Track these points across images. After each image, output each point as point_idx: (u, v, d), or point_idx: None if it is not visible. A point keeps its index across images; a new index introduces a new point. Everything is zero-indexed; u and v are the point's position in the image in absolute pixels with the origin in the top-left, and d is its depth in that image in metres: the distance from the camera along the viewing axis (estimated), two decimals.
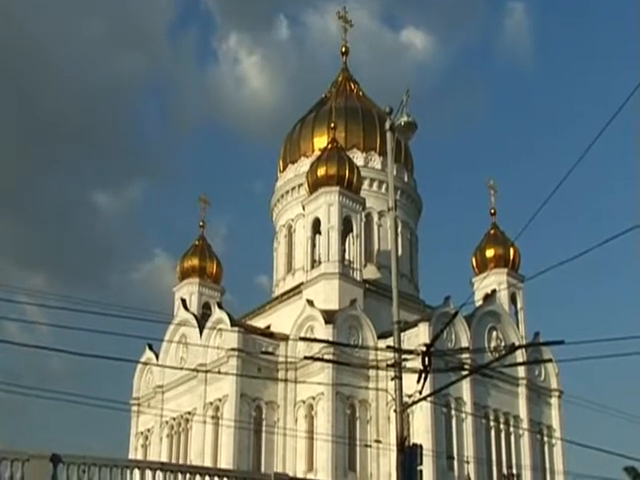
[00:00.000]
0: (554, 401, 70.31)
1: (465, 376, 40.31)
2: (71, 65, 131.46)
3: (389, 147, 24.13)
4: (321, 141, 76.12)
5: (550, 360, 56.66)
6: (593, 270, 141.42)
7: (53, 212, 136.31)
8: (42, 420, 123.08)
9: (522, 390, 67.32)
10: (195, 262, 78.29)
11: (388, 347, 23.05)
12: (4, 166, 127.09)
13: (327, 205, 68.22)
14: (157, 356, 72.03)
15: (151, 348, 73.53)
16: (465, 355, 57.37)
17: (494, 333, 66.82)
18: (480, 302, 68.15)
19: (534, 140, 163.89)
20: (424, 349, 20.18)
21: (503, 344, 64.52)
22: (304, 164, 76.66)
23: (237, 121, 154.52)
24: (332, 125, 73.41)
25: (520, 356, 59.80)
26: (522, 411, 66.92)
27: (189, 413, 66.49)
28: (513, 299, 73.39)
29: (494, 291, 69.03)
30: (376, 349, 59.91)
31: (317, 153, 73.96)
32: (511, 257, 74.12)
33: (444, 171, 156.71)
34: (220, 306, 69.60)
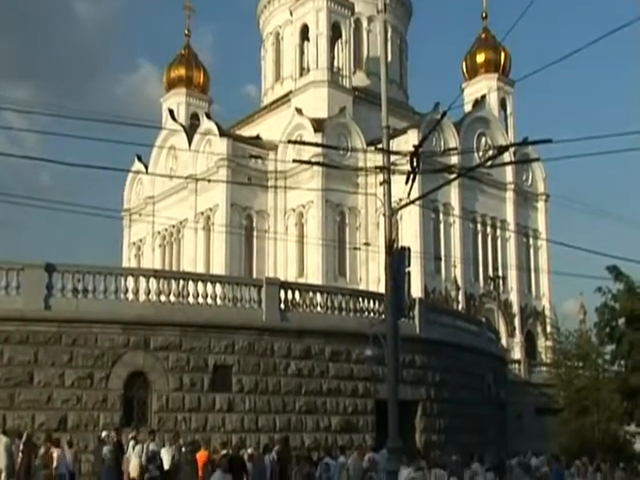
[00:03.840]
0: (541, 205, 71.33)
1: (454, 179, 40.26)
2: None
3: None
4: None
5: (537, 159, 56.50)
6: (586, 71, 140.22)
7: (34, 24, 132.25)
8: (36, 235, 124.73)
9: (509, 195, 68.14)
10: (181, 71, 76.87)
11: (377, 149, 22.85)
12: None
13: (315, 10, 66.21)
14: (146, 168, 72.00)
15: (140, 159, 73.43)
16: (454, 160, 57.38)
17: (483, 139, 66.75)
18: (470, 110, 67.76)
19: None
20: (412, 150, 19.99)
21: (491, 151, 64.50)
22: None
23: None
24: None
25: (508, 159, 59.65)
26: (509, 215, 68.03)
27: (180, 223, 67.24)
28: (503, 105, 72.92)
29: (484, 97, 68.36)
30: (364, 151, 60.06)
31: None
32: (501, 61, 73.03)
33: None
34: (208, 116, 68.89)
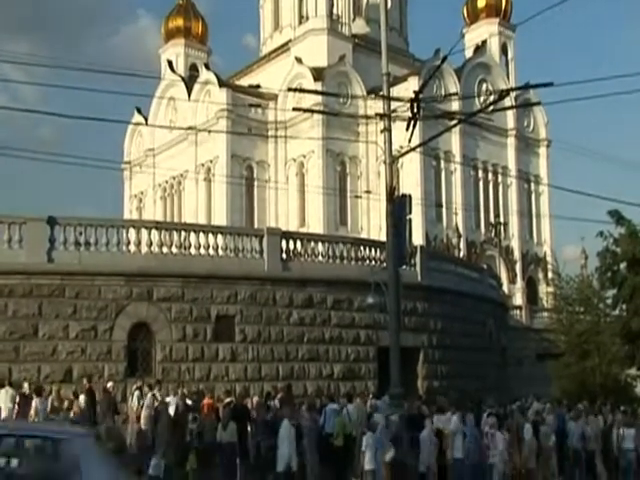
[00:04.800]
0: (542, 151, 71.12)
1: (455, 125, 40.05)
2: None
3: None
4: None
5: (539, 103, 56.05)
6: (587, 14, 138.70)
7: None
8: (38, 189, 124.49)
9: (511, 141, 67.90)
10: (180, 22, 76.17)
11: (377, 96, 22.70)
12: None
13: None
14: (146, 120, 71.67)
15: (140, 112, 73.08)
16: (454, 106, 57.00)
17: (484, 85, 66.31)
18: (471, 55, 67.27)
19: None
20: (413, 96, 19.86)
21: (493, 96, 64.10)
22: None
23: None
24: None
25: (509, 104, 59.12)
26: (510, 161, 67.87)
27: (181, 175, 67.16)
28: (504, 50, 72.24)
29: (484, 42, 67.78)
30: (364, 98, 59.82)
31: None
32: (502, 6, 72.21)
33: None
34: (207, 67, 68.46)
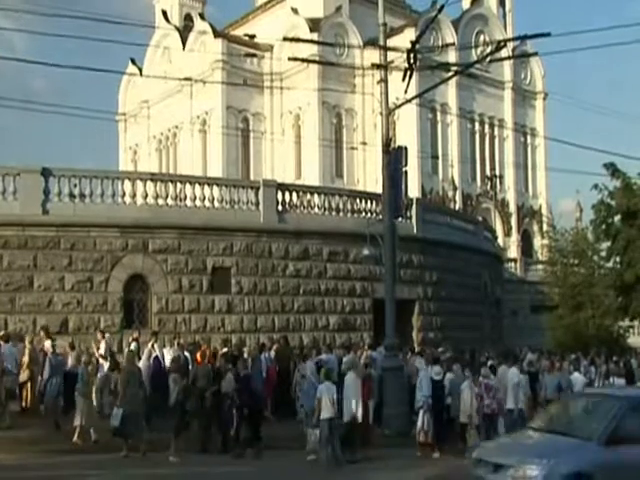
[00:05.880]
0: (539, 103, 70.80)
1: (451, 76, 39.65)
2: None
3: None
4: None
5: (535, 54, 55.67)
6: None
7: None
8: (33, 141, 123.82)
9: (507, 93, 67.56)
10: None
11: (374, 45, 22.52)
12: None
13: None
14: (140, 71, 70.99)
15: (134, 62, 72.36)
16: (451, 58, 56.55)
17: (481, 37, 65.74)
18: (468, 7, 66.64)
19: None
20: (410, 47, 19.73)
21: (490, 48, 63.57)
22: None
23: None
24: None
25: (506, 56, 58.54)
26: (507, 114, 67.59)
27: (176, 127, 66.79)
28: (502, 1, 71.46)
29: None
30: (360, 48, 59.40)
31: None
32: None
33: None
34: (202, 17, 67.73)
